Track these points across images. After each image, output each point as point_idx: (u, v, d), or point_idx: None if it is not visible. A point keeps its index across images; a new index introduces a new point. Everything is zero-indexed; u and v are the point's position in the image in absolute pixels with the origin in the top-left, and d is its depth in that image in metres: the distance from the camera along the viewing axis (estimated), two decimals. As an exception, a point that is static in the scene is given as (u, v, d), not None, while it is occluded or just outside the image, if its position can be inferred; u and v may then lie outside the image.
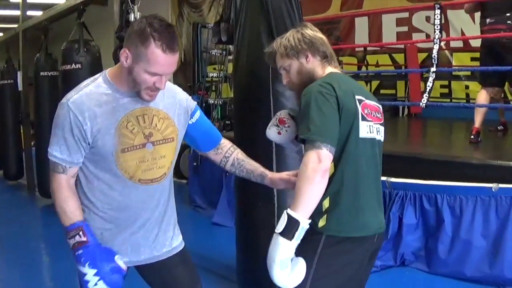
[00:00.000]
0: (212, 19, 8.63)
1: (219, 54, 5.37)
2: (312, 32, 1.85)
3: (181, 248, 1.96)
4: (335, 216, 1.67)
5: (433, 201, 3.57)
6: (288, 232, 1.51)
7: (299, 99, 1.77)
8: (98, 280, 1.61)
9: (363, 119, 1.71)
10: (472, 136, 4.70)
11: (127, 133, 1.71)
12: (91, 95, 1.69)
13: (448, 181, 3.51)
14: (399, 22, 8.62)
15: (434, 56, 4.46)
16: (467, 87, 8.07)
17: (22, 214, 6.22)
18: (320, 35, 1.86)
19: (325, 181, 1.56)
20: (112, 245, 1.75)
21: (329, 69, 1.84)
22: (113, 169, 1.72)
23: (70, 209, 1.68)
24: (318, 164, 1.54)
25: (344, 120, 1.66)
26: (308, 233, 1.55)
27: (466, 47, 7.64)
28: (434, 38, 4.40)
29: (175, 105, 1.86)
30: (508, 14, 4.50)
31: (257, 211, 2.88)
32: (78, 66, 5.18)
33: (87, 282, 1.62)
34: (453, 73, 7.88)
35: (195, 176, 5.81)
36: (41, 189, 6.52)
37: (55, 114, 1.69)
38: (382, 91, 9.02)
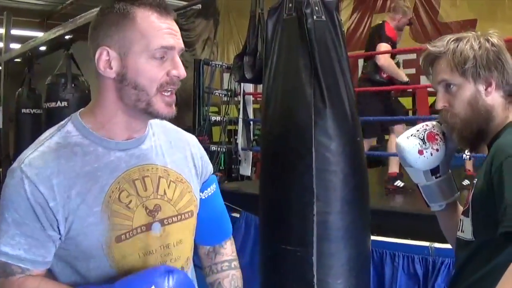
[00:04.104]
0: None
1: (223, 95, 4.81)
2: (504, 48, 1.23)
3: None
4: None
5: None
6: None
7: (461, 141, 1.23)
8: None
9: None
10: None
11: (121, 210, 1.06)
12: (57, 151, 1.06)
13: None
14: (406, 64, 8.20)
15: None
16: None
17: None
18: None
19: None
20: None
21: None
22: (105, 269, 1.05)
23: None
24: None
25: None
26: None
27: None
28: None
29: (189, 161, 1.23)
30: None
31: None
32: (64, 104, 4.49)
33: None
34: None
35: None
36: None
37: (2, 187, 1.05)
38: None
